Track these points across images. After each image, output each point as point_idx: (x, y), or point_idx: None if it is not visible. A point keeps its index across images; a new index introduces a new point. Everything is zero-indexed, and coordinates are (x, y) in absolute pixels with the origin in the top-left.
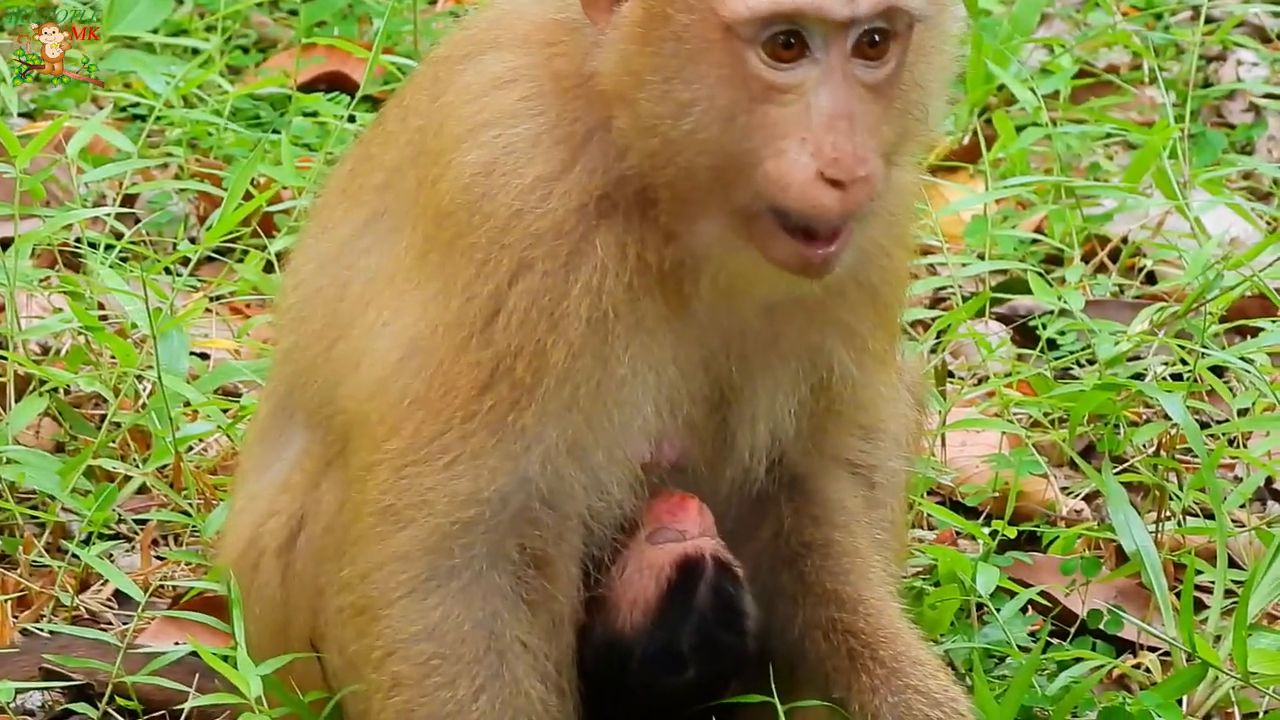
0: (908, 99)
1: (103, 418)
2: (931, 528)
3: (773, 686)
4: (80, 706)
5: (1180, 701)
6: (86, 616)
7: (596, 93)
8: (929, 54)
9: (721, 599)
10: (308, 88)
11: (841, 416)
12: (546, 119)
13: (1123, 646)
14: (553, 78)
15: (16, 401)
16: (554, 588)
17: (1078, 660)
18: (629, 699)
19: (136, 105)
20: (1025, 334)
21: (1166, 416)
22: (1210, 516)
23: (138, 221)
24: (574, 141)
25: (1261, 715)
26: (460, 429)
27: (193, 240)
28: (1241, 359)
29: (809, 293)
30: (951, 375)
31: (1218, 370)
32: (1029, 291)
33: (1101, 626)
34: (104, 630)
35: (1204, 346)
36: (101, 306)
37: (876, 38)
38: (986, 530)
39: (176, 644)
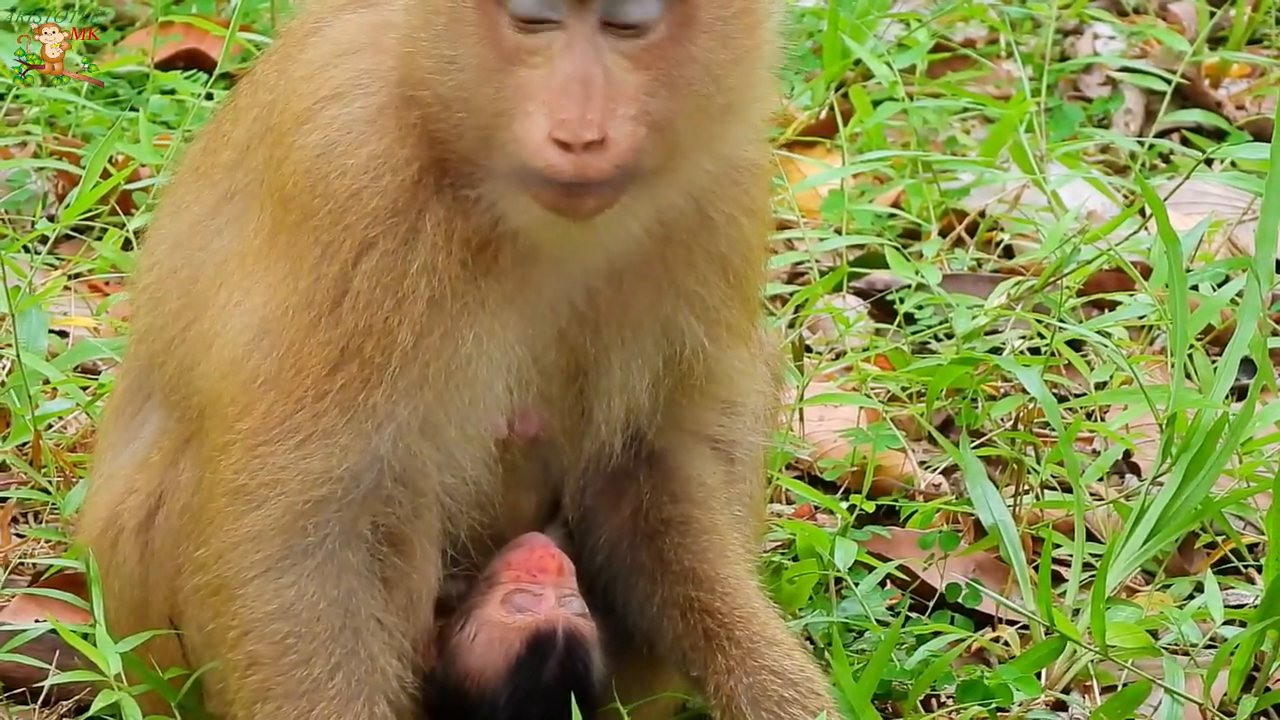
0: (686, 73)
1: None
2: (790, 502)
3: (615, 695)
4: None
5: (1039, 675)
6: None
7: None
8: (713, 29)
9: (570, 675)
10: (166, 65)
11: (698, 391)
12: (384, 95)
13: (981, 620)
14: (390, 50)
15: None
16: (410, 565)
17: (936, 634)
18: None
19: None
20: (883, 308)
21: (1024, 390)
22: (1068, 490)
23: None
24: (407, 116)
25: (1119, 688)
26: (311, 408)
27: (51, 218)
28: (1098, 333)
29: (590, 245)
30: (809, 350)
31: (1075, 344)
32: (886, 266)
33: (960, 600)
34: None
35: (1061, 320)
36: None
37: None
38: (845, 505)
39: (36, 621)
